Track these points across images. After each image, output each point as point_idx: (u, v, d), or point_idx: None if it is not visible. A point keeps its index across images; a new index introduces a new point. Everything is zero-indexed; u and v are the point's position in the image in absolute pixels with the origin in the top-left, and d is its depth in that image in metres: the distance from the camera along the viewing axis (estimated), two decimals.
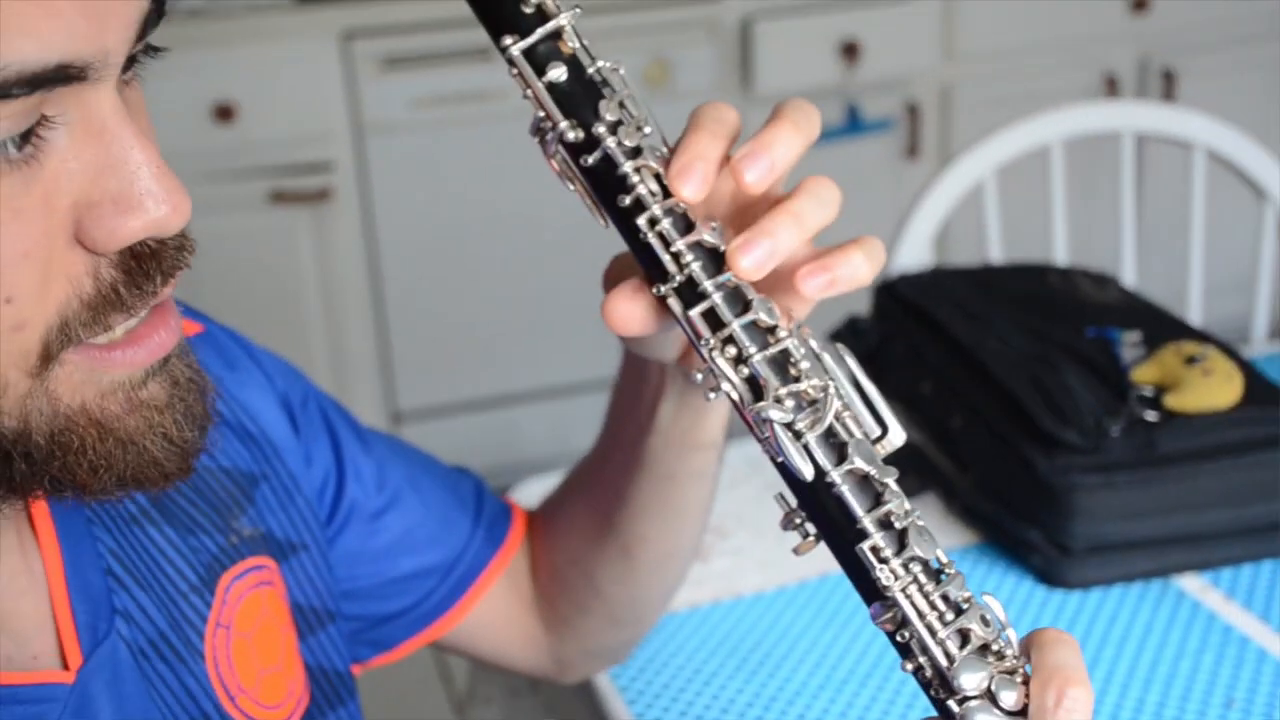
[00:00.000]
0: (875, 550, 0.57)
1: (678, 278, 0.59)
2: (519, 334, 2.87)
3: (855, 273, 0.61)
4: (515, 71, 0.59)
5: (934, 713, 0.57)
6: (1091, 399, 1.17)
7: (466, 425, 2.90)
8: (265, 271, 2.71)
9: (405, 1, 2.64)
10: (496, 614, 0.91)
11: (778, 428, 0.57)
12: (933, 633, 0.56)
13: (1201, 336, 1.28)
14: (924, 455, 1.28)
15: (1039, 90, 2.80)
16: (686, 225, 0.59)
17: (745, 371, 0.58)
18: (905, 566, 0.57)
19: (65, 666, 0.62)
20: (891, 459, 0.59)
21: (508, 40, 0.58)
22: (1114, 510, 1.13)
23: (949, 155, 2.69)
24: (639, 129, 0.59)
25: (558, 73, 0.58)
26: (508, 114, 2.66)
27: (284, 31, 2.61)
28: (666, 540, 0.84)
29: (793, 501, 0.59)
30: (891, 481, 0.58)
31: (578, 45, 0.59)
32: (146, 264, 0.55)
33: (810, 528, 0.59)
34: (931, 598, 0.57)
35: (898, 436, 0.60)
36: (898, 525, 0.57)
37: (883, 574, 0.56)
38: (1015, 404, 1.19)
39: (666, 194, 0.59)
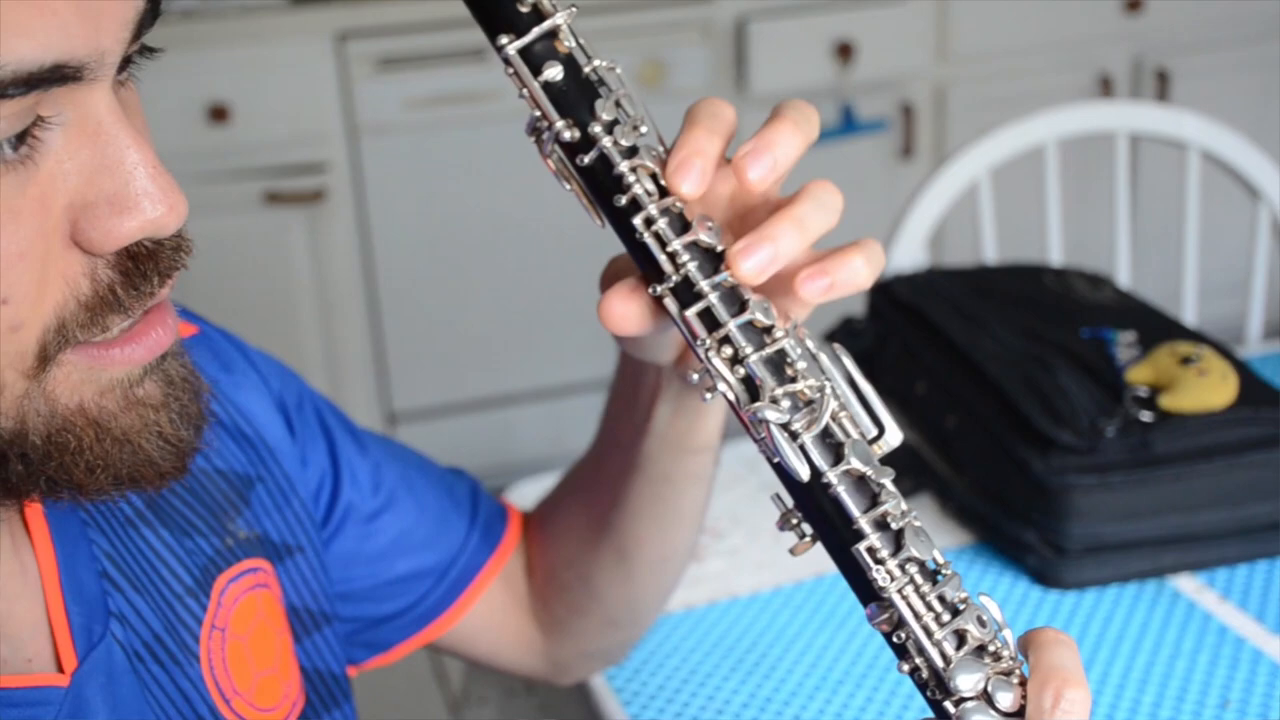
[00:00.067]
0: (871, 551, 0.57)
1: (674, 278, 0.59)
2: (514, 335, 2.87)
3: (854, 277, 0.61)
4: (511, 71, 0.59)
5: (930, 714, 0.57)
6: (1087, 399, 1.17)
7: (461, 426, 2.89)
8: (260, 272, 2.70)
9: (399, 2, 2.64)
10: (492, 616, 0.91)
11: (774, 428, 0.57)
12: (929, 634, 0.56)
13: (1196, 337, 1.28)
14: (919, 456, 1.28)
15: (1033, 90, 2.81)
16: (683, 225, 0.59)
17: (741, 371, 0.58)
18: (902, 567, 0.56)
19: (60, 669, 0.62)
20: (887, 459, 0.59)
21: (504, 39, 0.58)
22: (1109, 511, 1.13)
23: (943, 156, 2.69)
24: (635, 128, 0.59)
25: (554, 72, 0.58)
26: (503, 114, 2.66)
27: (278, 32, 2.60)
28: (662, 542, 0.84)
29: (789, 502, 0.59)
30: (888, 482, 0.58)
31: (574, 44, 0.59)
32: (144, 265, 0.55)
33: (806, 528, 0.59)
34: (928, 598, 0.57)
35: (894, 437, 0.60)
36: (894, 526, 0.57)
37: (879, 575, 0.56)
38: (1010, 404, 1.19)
39: (663, 193, 0.59)
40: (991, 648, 0.57)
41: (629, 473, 0.80)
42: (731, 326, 0.58)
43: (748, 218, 0.64)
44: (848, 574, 0.58)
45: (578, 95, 0.59)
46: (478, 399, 2.90)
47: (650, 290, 0.60)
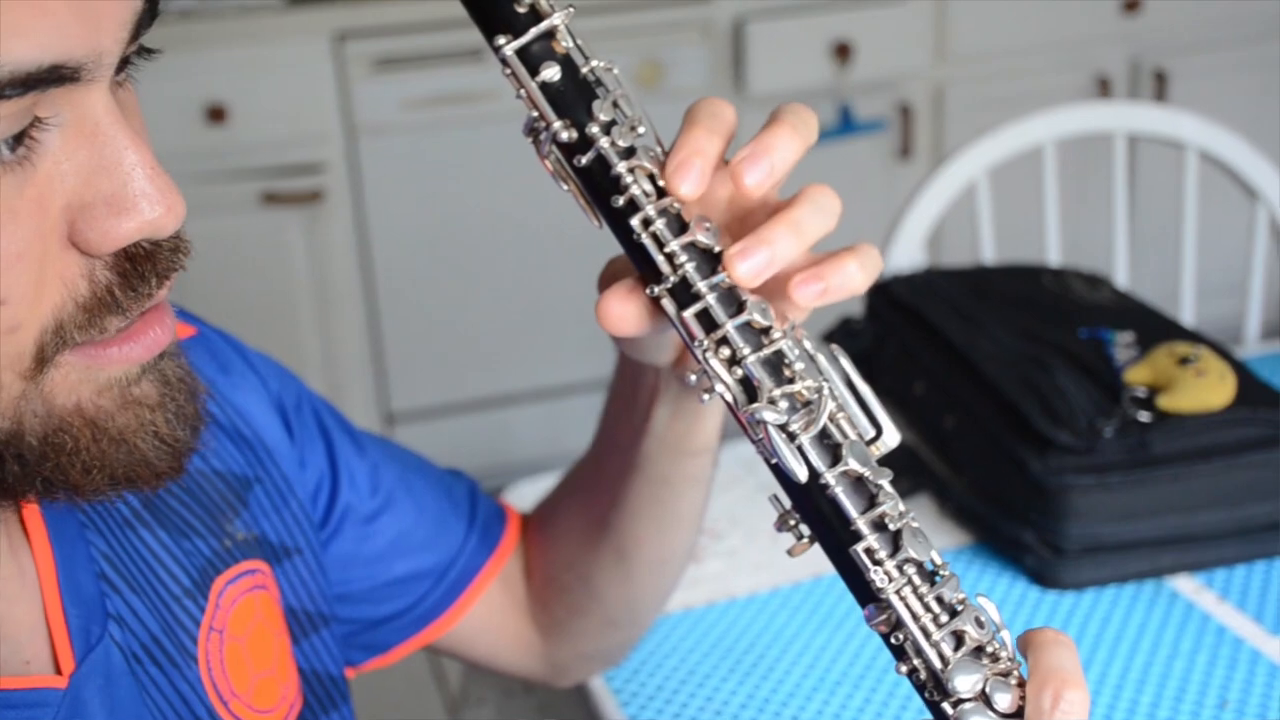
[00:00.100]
0: (869, 552, 0.56)
1: (671, 279, 0.59)
2: (512, 335, 2.87)
3: (849, 281, 0.61)
4: (509, 71, 0.59)
5: (929, 715, 0.57)
6: (1085, 400, 1.17)
7: (459, 426, 2.89)
8: (257, 273, 2.70)
9: (397, 2, 2.64)
10: (491, 617, 0.90)
11: (772, 429, 0.57)
12: (927, 635, 0.56)
13: (1194, 337, 1.28)
14: (918, 456, 1.28)
15: (1031, 91, 2.81)
16: (680, 226, 0.59)
17: (739, 373, 0.58)
18: (899, 568, 0.56)
19: (58, 671, 0.62)
20: (885, 460, 0.59)
21: (501, 40, 0.58)
22: (1107, 511, 1.13)
23: (941, 156, 2.69)
24: (633, 129, 0.59)
25: (551, 72, 0.58)
26: (500, 115, 2.66)
27: (275, 32, 2.60)
28: (661, 544, 0.84)
29: (787, 503, 0.59)
30: (886, 483, 0.58)
31: (571, 45, 0.59)
32: (141, 266, 0.55)
33: (804, 529, 0.59)
34: (926, 600, 0.56)
35: (892, 438, 0.60)
36: (892, 527, 0.57)
37: (877, 576, 0.56)
38: (1008, 405, 1.19)
39: (661, 194, 0.59)
40: (989, 649, 0.57)
41: (627, 474, 0.80)
42: (729, 327, 0.58)
43: (746, 219, 0.64)
44: (845, 575, 0.58)
45: (575, 96, 0.59)
46: (476, 399, 2.90)
47: (648, 291, 0.60)
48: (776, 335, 0.58)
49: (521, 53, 0.58)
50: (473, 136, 2.71)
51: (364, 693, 0.92)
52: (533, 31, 0.58)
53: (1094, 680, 1.03)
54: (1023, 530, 1.15)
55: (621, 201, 0.59)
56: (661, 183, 0.60)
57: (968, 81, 2.96)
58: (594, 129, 0.59)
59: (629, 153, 0.59)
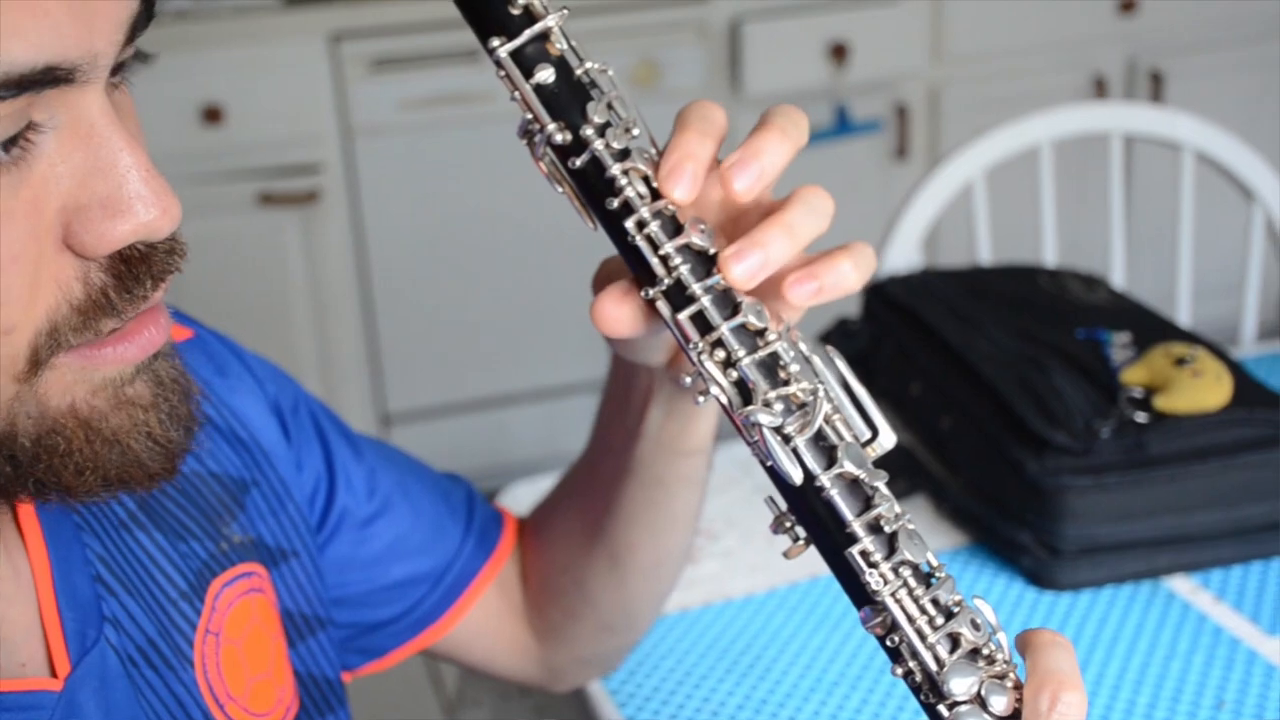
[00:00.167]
0: (865, 554, 0.56)
1: (666, 281, 0.59)
2: (508, 336, 2.87)
3: (843, 281, 0.61)
4: (503, 73, 0.59)
5: (925, 718, 0.57)
6: (1081, 400, 1.17)
7: (456, 427, 2.89)
8: (254, 274, 2.70)
9: (393, 3, 2.64)
10: (487, 622, 0.90)
11: (766, 432, 0.57)
12: (922, 637, 0.56)
13: (1191, 338, 1.28)
14: (914, 457, 1.28)
15: (1027, 91, 2.81)
16: (675, 228, 0.59)
17: (734, 375, 0.58)
18: (895, 571, 0.56)
19: (53, 674, 0.62)
20: (881, 460, 0.59)
21: (495, 42, 0.58)
22: (1104, 512, 1.13)
23: (938, 156, 2.69)
24: (627, 131, 0.59)
25: (545, 74, 0.58)
26: (496, 115, 2.66)
27: (272, 33, 2.60)
28: (656, 547, 0.84)
29: (782, 505, 0.59)
30: (881, 485, 0.58)
31: (566, 47, 0.59)
32: (136, 268, 0.54)
33: (800, 531, 0.59)
34: (921, 602, 0.56)
35: (888, 439, 0.60)
36: (887, 529, 0.57)
37: (872, 578, 0.56)
38: (1005, 405, 1.19)
39: (655, 196, 0.59)
40: (985, 651, 0.57)
41: (621, 477, 0.80)
42: (724, 329, 0.58)
43: (740, 220, 0.64)
44: (841, 577, 0.58)
45: (569, 98, 0.59)
46: (473, 400, 2.90)
47: (643, 293, 0.60)
48: (772, 337, 0.58)
49: (516, 55, 0.58)
50: (469, 137, 2.70)
51: (361, 695, 0.91)
52: (527, 33, 0.58)
53: (1091, 681, 1.03)
54: (1019, 531, 1.15)
55: (616, 204, 0.59)
56: (656, 184, 0.60)
57: (964, 82, 2.96)
58: (588, 131, 0.59)
59: (623, 155, 0.59)
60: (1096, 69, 3.02)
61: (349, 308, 2.78)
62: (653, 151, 0.61)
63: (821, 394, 0.58)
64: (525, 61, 0.58)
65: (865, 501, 0.57)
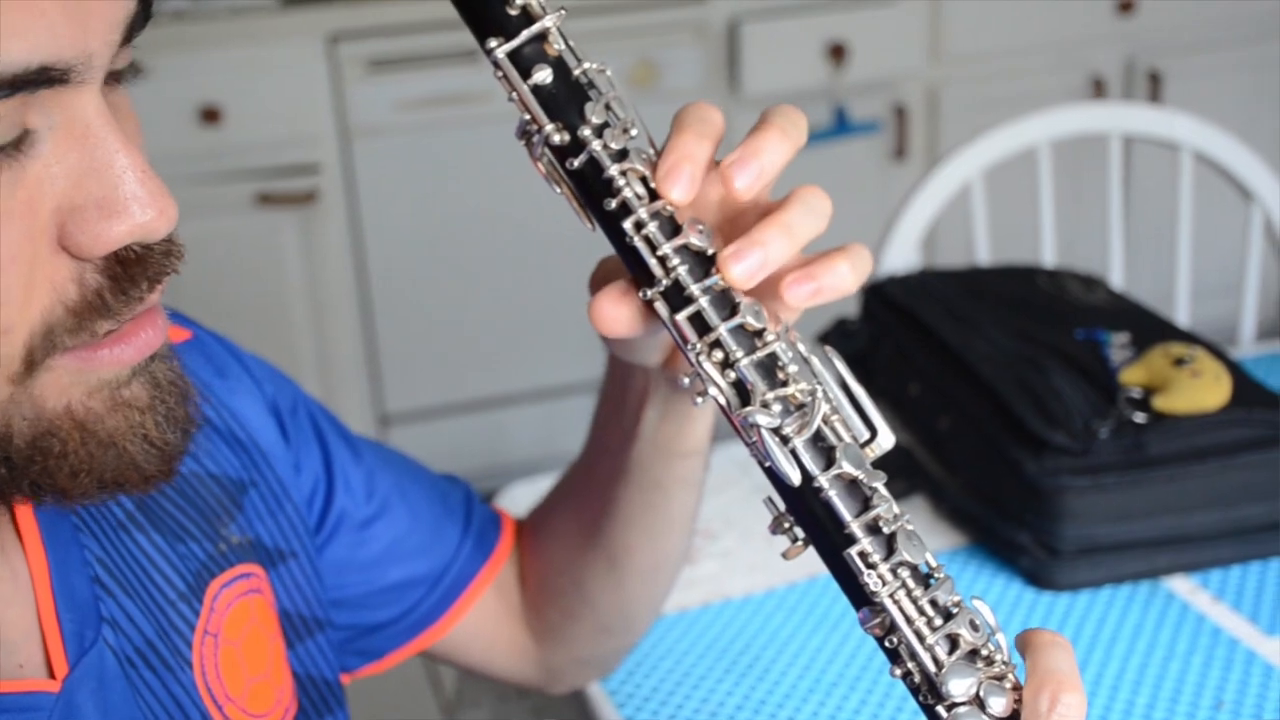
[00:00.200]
0: (863, 555, 0.56)
1: (664, 281, 0.59)
2: (507, 336, 2.87)
3: (840, 282, 0.61)
4: (501, 74, 0.59)
5: (923, 718, 0.57)
6: (1080, 401, 1.17)
7: (454, 428, 2.89)
8: (251, 274, 2.70)
9: (391, 3, 2.64)
10: (485, 624, 0.90)
11: (765, 433, 0.57)
12: (921, 638, 0.56)
13: (1190, 338, 1.28)
14: (912, 457, 1.28)
15: (1026, 92, 2.81)
16: (673, 228, 0.59)
17: (732, 376, 0.58)
18: (893, 571, 0.56)
19: (51, 675, 0.62)
20: (879, 461, 0.59)
21: (493, 43, 0.58)
22: (1103, 512, 1.13)
23: (936, 157, 2.69)
24: (625, 131, 0.59)
25: (543, 75, 0.58)
26: (494, 116, 2.66)
27: (269, 34, 2.60)
28: (653, 549, 0.84)
29: (781, 506, 0.59)
30: (880, 485, 0.58)
31: (563, 47, 0.59)
32: (132, 269, 0.54)
33: (799, 532, 0.59)
34: (920, 603, 0.56)
35: (886, 440, 0.60)
36: (886, 530, 0.57)
37: (871, 579, 0.56)
38: (1004, 406, 1.19)
39: (653, 197, 0.59)
40: (984, 652, 0.57)
41: (618, 478, 0.80)
42: (722, 330, 0.58)
43: (737, 221, 0.64)
44: (840, 578, 0.58)
45: (567, 98, 0.59)
46: (471, 400, 2.90)
47: (641, 294, 0.60)
48: (770, 338, 0.58)
49: (513, 55, 0.58)
50: (467, 138, 2.70)
51: (359, 696, 0.91)
52: (525, 34, 0.58)
53: (1090, 681, 1.03)
54: (1018, 531, 1.15)
55: (614, 204, 0.59)
56: (654, 185, 0.59)
57: (963, 82, 2.96)
58: (586, 132, 0.58)
59: (621, 155, 0.59)
60: (1095, 69, 3.02)
61: (347, 308, 2.77)
62: (651, 152, 0.61)
63: (820, 394, 0.58)
64: (523, 62, 0.58)
65: (864, 502, 0.57)
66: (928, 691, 0.56)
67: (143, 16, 0.53)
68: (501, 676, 0.94)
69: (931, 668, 0.56)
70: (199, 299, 2.27)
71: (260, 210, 2.66)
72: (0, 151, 0.50)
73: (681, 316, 0.58)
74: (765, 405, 0.57)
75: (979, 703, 0.56)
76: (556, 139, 0.59)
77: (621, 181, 0.59)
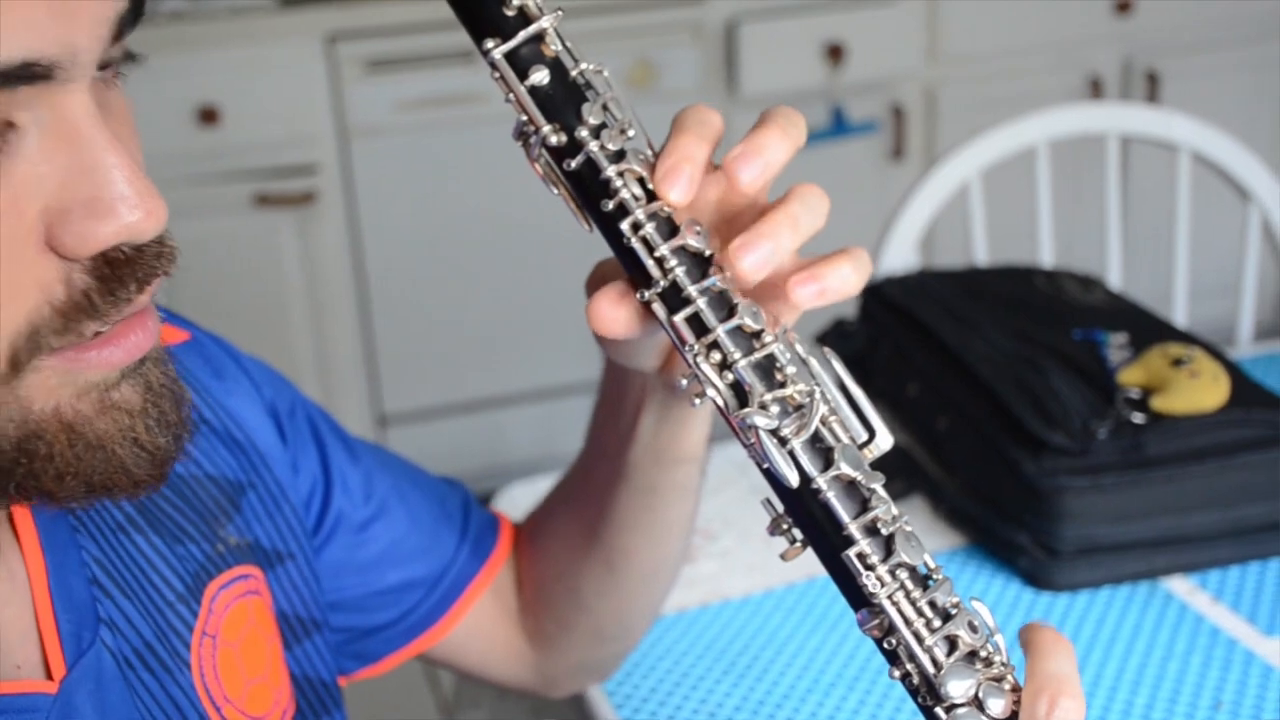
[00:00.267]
0: (861, 557, 0.56)
1: (662, 283, 0.58)
2: (505, 337, 2.87)
3: (844, 283, 0.61)
4: (497, 75, 0.58)
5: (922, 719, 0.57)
6: (1078, 401, 1.17)
7: (453, 428, 2.89)
8: (250, 275, 2.70)
9: (389, 4, 2.64)
10: (482, 628, 0.90)
11: (763, 434, 0.57)
12: (920, 640, 0.56)
13: (1188, 338, 1.28)
14: (911, 458, 1.28)
15: (1023, 92, 2.81)
16: (670, 229, 0.59)
17: (730, 377, 0.58)
18: (892, 573, 0.56)
19: (49, 676, 0.62)
20: (878, 462, 0.59)
21: (490, 43, 0.58)
22: (1101, 512, 1.13)
23: (934, 157, 2.69)
24: (622, 132, 0.59)
25: (540, 76, 0.58)
26: (492, 117, 2.66)
27: (268, 34, 2.60)
28: (650, 554, 0.84)
29: (779, 507, 0.59)
30: (878, 487, 0.57)
31: (560, 48, 0.59)
32: (121, 271, 0.53)
33: (797, 533, 0.59)
34: (918, 604, 0.56)
35: (885, 441, 0.60)
36: (884, 531, 0.57)
37: (869, 581, 0.56)
38: (1002, 406, 1.19)
39: (650, 198, 0.59)
40: (983, 653, 0.57)
41: (615, 483, 0.80)
42: (720, 331, 0.58)
43: (734, 222, 0.64)
44: (838, 580, 0.58)
45: (564, 99, 0.58)
46: (469, 401, 2.89)
47: (639, 295, 0.59)
48: (768, 339, 0.58)
49: (510, 56, 0.58)
50: (465, 138, 2.70)
51: (357, 697, 0.91)
52: (521, 35, 0.58)
53: (1088, 682, 1.03)
54: (1017, 532, 1.15)
55: (611, 205, 0.59)
56: (651, 186, 0.59)
57: (960, 82, 2.96)
58: (583, 133, 0.58)
59: (618, 156, 0.59)
60: (1092, 69, 3.02)
61: (345, 309, 2.77)
62: (648, 153, 0.61)
63: (818, 395, 0.58)
64: (520, 63, 0.58)
65: (862, 503, 0.57)
66: (926, 693, 0.56)
67: (133, 14, 0.52)
68: (498, 681, 0.94)
69: (930, 669, 0.56)
70: (197, 300, 2.27)
71: (259, 211, 2.66)
72: None
73: (679, 318, 0.58)
74: (763, 406, 0.57)
75: (978, 704, 0.56)
76: (553, 140, 0.59)
77: (619, 182, 0.58)
